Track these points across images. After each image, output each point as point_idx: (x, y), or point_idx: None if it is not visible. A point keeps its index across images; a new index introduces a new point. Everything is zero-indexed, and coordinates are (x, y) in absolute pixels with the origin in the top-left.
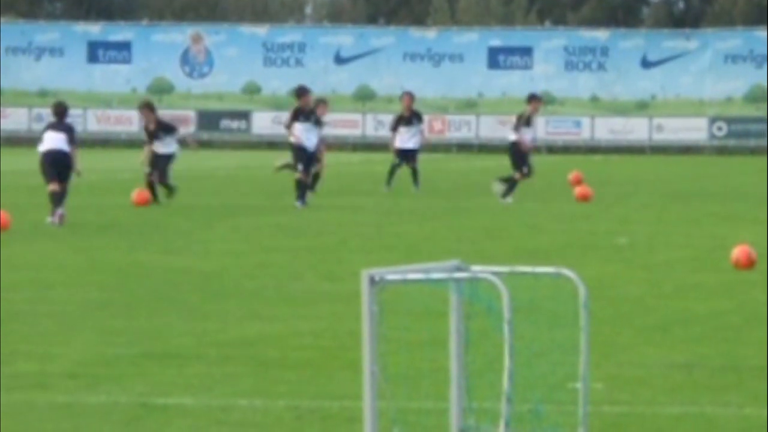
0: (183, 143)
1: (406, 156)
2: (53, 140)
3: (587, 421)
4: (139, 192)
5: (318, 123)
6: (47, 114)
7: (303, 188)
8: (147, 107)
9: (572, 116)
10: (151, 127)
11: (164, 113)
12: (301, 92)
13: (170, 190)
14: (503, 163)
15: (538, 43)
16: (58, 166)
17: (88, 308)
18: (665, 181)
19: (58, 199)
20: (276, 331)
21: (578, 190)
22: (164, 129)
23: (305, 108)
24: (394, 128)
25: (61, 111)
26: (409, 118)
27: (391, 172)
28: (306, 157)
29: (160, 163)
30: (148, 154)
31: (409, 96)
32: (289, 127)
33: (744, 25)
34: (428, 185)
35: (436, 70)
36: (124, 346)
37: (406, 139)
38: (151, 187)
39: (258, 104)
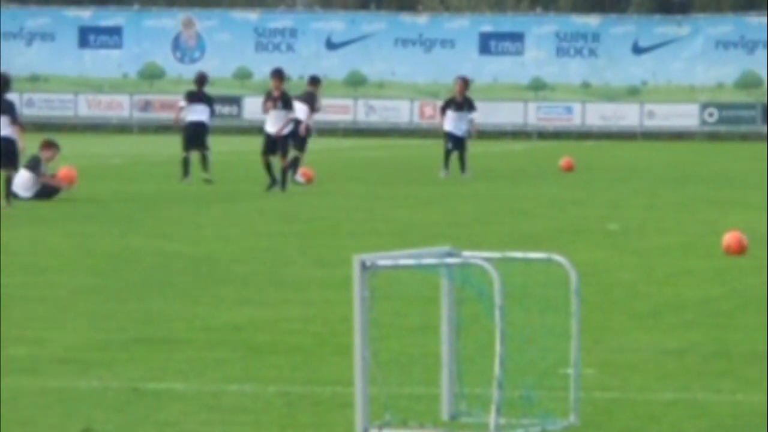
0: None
1: (456, 143)
2: None
3: (579, 407)
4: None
5: (287, 107)
6: (39, 99)
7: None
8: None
9: (563, 102)
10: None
11: (155, 98)
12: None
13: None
14: (494, 149)
15: (529, 29)
16: None
17: (79, 293)
18: (656, 167)
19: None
20: (267, 317)
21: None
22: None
23: (273, 93)
24: (443, 111)
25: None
26: (461, 103)
27: (446, 156)
28: (272, 142)
29: None
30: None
31: (463, 81)
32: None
33: (733, 11)
34: (420, 171)
35: (428, 55)
36: (115, 331)
37: (454, 125)
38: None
39: (249, 89)
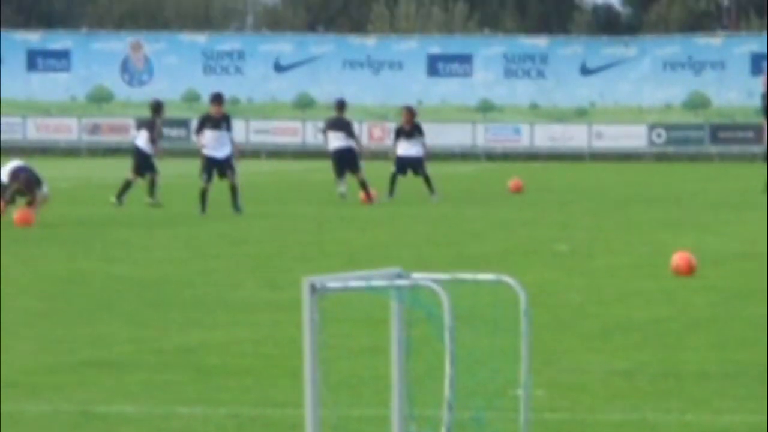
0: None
1: (413, 164)
2: None
3: (528, 428)
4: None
5: (229, 129)
6: None
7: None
8: None
9: (512, 123)
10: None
11: (104, 121)
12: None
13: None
14: (442, 171)
15: (477, 51)
16: None
17: (28, 317)
18: (605, 188)
19: None
20: (217, 339)
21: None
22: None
23: (214, 115)
24: (395, 141)
25: None
26: (410, 132)
27: (392, 181)
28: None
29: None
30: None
31: (408, 111)
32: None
33: (680, 32)
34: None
35: (376, 77)
36: (64, 355)
37: (406, 151)
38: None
39: (198, 112)
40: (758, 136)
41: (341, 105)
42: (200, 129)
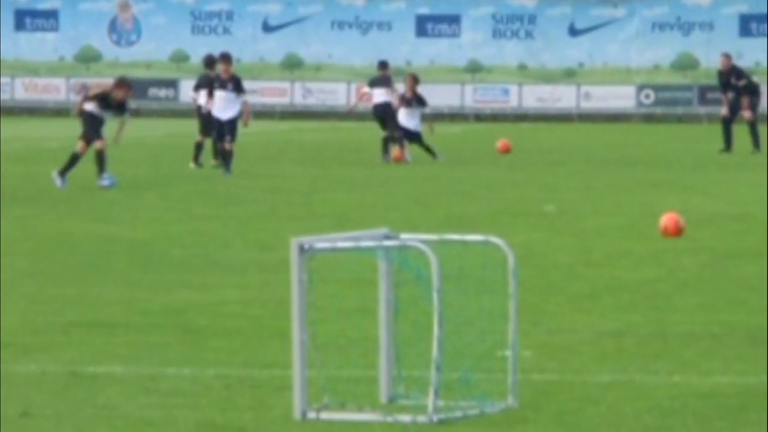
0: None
1: (410, 136)
2: None
3: (516, 389)
4: None
5: (238, 90)
6: None
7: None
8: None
9: (500, 84)
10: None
11: (92, 81)
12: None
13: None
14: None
15: (466, 11)
16: None
17: (17, 277)
18: (593, 149)
19: None
20: (205, 300)
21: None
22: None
23: (223, 75)
24: (397, 106)
25: None
26: (410, 100)
27: (385, 143)
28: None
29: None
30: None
31: (412, 78)
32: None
33: None
34: (357, 153)
35: (364, 38)
36: (52, 315)
37: (405, 120)
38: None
39: (186, 72)
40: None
41: (384, 65)
42: (208, 89)
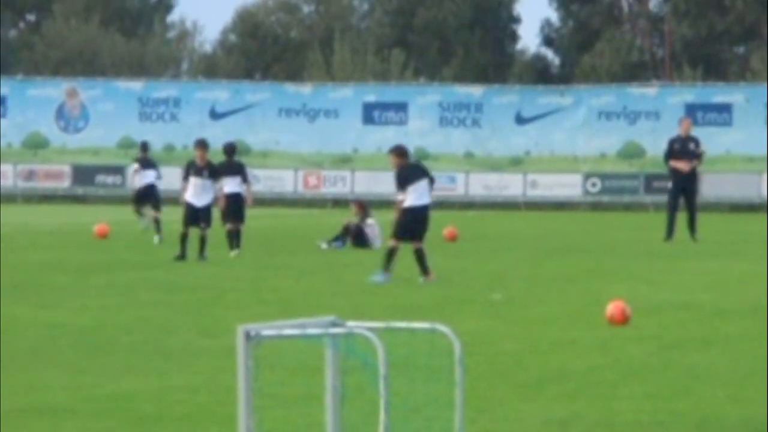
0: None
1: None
2: None
3: None
4: None
5: (213, 177)
6: None
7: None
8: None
9: (447, 172)
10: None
11: (39, 168)
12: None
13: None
14: (378, 219)
15: (413, 99)
16: None
17: None
18: (540, 237)
19: None
20: (152, 386)
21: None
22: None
23: (198, 163)
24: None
25: None
26: (360, 226)
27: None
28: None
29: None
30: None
31: (357, 205)
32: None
33: (615, 82)
34: (303, 240)
35: (312, 125)
36: None
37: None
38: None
39: (133, 159)
40: None
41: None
42: (185, 176)
